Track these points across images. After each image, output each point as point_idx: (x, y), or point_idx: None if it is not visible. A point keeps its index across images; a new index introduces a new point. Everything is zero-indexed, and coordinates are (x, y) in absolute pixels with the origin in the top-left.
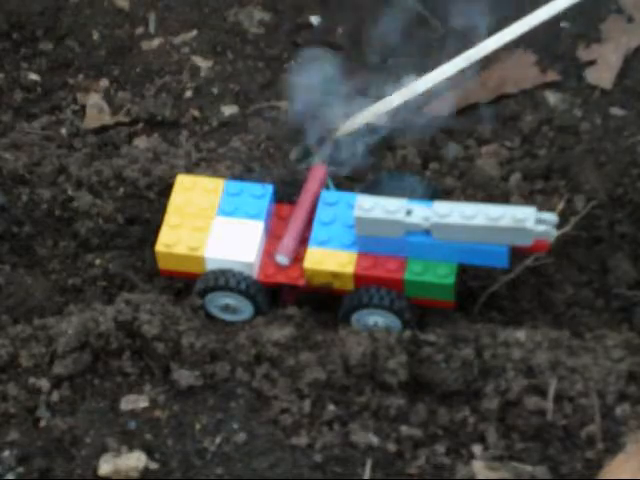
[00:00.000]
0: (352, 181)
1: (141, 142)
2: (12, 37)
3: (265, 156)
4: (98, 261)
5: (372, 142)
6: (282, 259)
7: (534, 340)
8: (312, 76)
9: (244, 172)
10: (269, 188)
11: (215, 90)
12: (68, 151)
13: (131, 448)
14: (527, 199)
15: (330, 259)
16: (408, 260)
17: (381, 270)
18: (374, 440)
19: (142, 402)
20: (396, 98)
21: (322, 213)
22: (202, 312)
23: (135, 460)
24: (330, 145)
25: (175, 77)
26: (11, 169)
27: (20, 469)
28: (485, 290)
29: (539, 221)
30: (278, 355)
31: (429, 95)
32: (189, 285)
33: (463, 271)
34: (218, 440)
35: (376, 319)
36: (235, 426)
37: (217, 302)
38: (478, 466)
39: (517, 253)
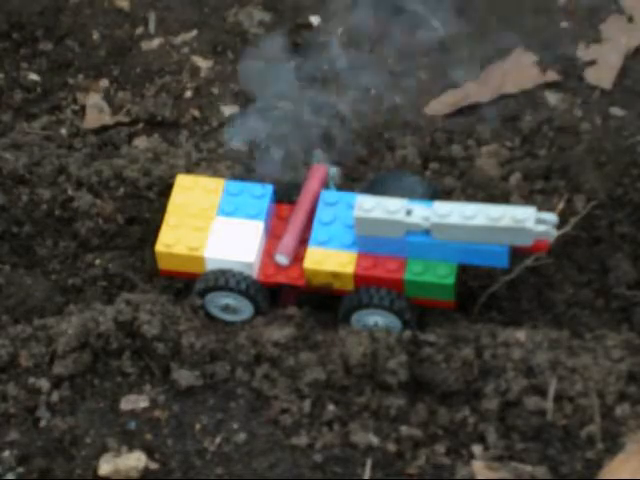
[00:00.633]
0: (352, 181)
1: (141, 142)
2: (12, 37)
3: (265, 156)
4: (98, 261)
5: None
6: (282, 259)
7: (534, 340)
8: None
9: (244, 172)
10: (269, 188)
11: (215, 90)
12: (68, 151)
13: (131, 448)
14: (527, 199)
15: (330, 259)
16: (408, 260)
17: (381, 270)
18: (374, 440)
19: (142, 402)
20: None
21: (322, 213)
22: (202, 312)
23: (135, 460)
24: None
25: (175, 77)
26: (11, 169)
27: (20, 469)
28: (485, 290)
29: (539, 221)
30: (278, 355)
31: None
32: (189, 285)
33: (463, 271)
34: (218, 440)
35: (376, 319)
36: (235, 426)
37: (217, 302)
38: (478, 466)
39: (517, 253)
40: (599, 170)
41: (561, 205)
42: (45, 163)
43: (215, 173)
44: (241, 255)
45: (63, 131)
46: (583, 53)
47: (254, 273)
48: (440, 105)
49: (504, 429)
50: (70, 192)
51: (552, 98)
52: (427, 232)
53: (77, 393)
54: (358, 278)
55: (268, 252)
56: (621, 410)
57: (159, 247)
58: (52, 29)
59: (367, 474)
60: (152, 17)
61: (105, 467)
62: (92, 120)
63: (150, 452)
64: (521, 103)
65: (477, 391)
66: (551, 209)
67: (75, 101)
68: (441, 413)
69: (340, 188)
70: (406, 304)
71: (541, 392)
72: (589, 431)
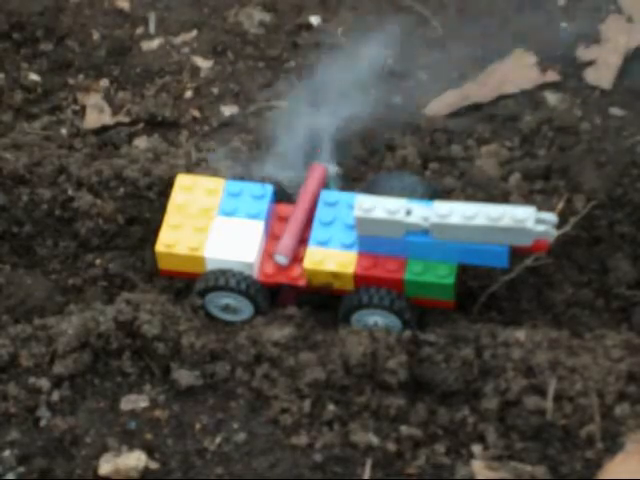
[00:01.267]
0: (352, 181)
1: (141, 142)
2: (12, 37)
3: (265, 156)
4: (98, 261)
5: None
6: (281, 259)
7: (534, 340)
8: None
9: (244, 172)
10: (269, 188)
11: (215, 90)
12: (68, 151)
13: (131, 448)
14: (527, 199)
15: (330, 259)
16: (408, 260)
17: (381, 270)
18: (374, 440)
19: (142, 402)
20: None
21: (322, 213)
22: (202, 312)
23: (135, 460)
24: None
25: (175, 77)
26: (11, 169)
27: (20, 469)
28: (485, 290)
29: (539, 221)
30: (278, 355)
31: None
32: (189, 285)
33: (463, 271)
34: (218, 440)
35: (376, 319)
36: (235, 426)
37: (217, 302)
38: (478, 466)
39: (517, 253)
40: (599, 170)
41: (561, 205)
42: (45, 163)
43: (215, 173)
44: (241, 255)
45: (63, 131)
46: (583, 53)
47: (254, 273)
48: (440, 105)
49: (504, 429)
50: (70, 192)
51: (552, 98)
52: (427, 232)
53: (77, 393)
54: (358, 278)
55: (268, 252)
56: (621, 410)
57: (159, 247)
58: (52, 29)
59: (367, 474)
60: (152, 17)
61: (105, 467)
62: (92, 120)
63: (150, 452)
64: (521, 103)
65: (477, 391)
66: (551, 209)
67: (75, 101)
68: (441, 413)
69: (340, 188)
70: (406, 304)
71: (541, 392)
72: (589, 431)
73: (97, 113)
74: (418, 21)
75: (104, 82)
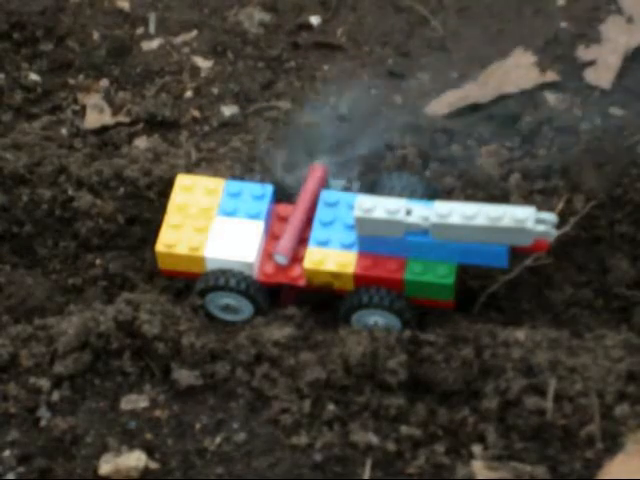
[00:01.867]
0: (352, 181)
1: (141, 142)
2: (12, 37)
3: (265, 156)
4: (98, 261)
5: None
6: (280, 259)
7: (534, 340)
8: None
9: (244, 172)
10: (269, 188)
11: (215, 90)
12: (68, 151)
13: (131, 448)
14: (527, 199)
15: (330, 259)
16: (408, 260)
17: (381, 270)
18: (374, 440)
19: (142, 402)
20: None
21: (322, 213)
22: (202, 312)
23: (135, 460)
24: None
25: (175, 77)
26: (11, 169)
27: (20, 469)
28: (485, 290)
29: (539, 221)
30: (278, 355)
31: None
32: (189, 285)
33: (463, 271)
34: (218, 440)
35: (376, 319)
36: (235, 426)
37: (217, 302)
38: (478, 466)
39: (517, 253)
40: (599, 170)
41: (561, 205)
42: (45, 163)
43: (215, 173)
44: (241, 255)
45: (63, 131)
46: (583, 53)
47: (254, 273)
48: (440, 105)
49: (504, 429)
50: (70, 192)
51: (552, 98)
52: (427, 232)
53: (77, 393)
54: (358, 278)
55: (268, 252)
56: (620, 410)
57: (159, 247)
58: (52, 29)
59: (367, 474)
60: (152, 17)
61: (105, 467)
62: (92, 120)
63: (150, 452)
64: (521, 103)
65: (477, 391)
66: (551, 209)
67: (75, 101)
68: (441, 413)
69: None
70: (406, 304)
71: (541, 392)
72: (589, 431)
73: (97, 113)
74: (418, 21)
75: (104, 82)
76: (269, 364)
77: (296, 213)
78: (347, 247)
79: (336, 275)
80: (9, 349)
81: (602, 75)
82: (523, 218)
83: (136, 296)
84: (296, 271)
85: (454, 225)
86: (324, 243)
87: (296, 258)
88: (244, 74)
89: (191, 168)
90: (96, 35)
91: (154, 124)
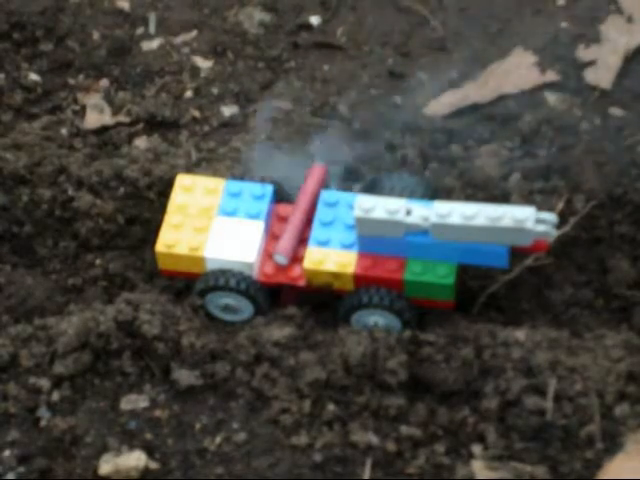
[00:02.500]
0: (352, 181)
1: (141, 142)
2: (12, 37)
3: (267, 156)
4: (98, 261)
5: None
6: (280, 259)
7: (534, 340)
8: None
9: (244, 172)
10: (269, 188)
11: (215, 90)
12: (68, 151)
13: (131, 448)
14: (527, 199)
15: (330, 259)
16: (408, 260)
17: (381, 270)
18: (374, 440)
19: (142, 402)
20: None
21: (322, 213)
22: (202, 312)
23: (135, 460)
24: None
25: (175, 77)
26: (12, 169)
27: (20, 469)
28: (485, 290)
29: (539, 221)
30: (278, 355)
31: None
32: (189, 285)
33: (463, 271)
34: (218, 440)
35: (376, 319)
36: (235, 426)
37: (217, 302)
38: (478, 466)
39: (517, 253)
40: (599, 170)
41: (561, 205)
42: (45, 163)
43: (215, 173)
44: (241, 255)
45: (63, 131)
46: (582, 53)
47: (254, 273)
48: (440, 105)
49: (504, 429)
50: (70, 192)
51: (552, 98)
52: (427, 232)
53: (77, 393)
54: (358, 278)
55: (268, 252)
56: (620, 410)
57: (159, 247)
58: (52, 29)
59: (367, 474)
60: (152, 17)
61: (105, 467)
62: (92, 120)
63: (150, 452)
64: (521, 103)
65: (477, 391)
66: (551, 209)
67: (75, 101)
68: (441, 413)
69: (340, 188)
70: (406, 304)
71: (541, 392)
72: (589, 431)
73: (97, 113)
74: (418, 21)
75: (104, 82)
76: (269, 364)
77: (296, 213)
78: (347, 247)
79: (336, 275)
80: (9, 349)
81: (602, 75)
82: (523, 218)
83: (136, 296)
84: (296, 271)
85: (454, 225)
86: (324, 243)
87: (296, 258)
88: (244, 74)
89: (191, 168)
90: (96, 35)
91: (154, 124)
